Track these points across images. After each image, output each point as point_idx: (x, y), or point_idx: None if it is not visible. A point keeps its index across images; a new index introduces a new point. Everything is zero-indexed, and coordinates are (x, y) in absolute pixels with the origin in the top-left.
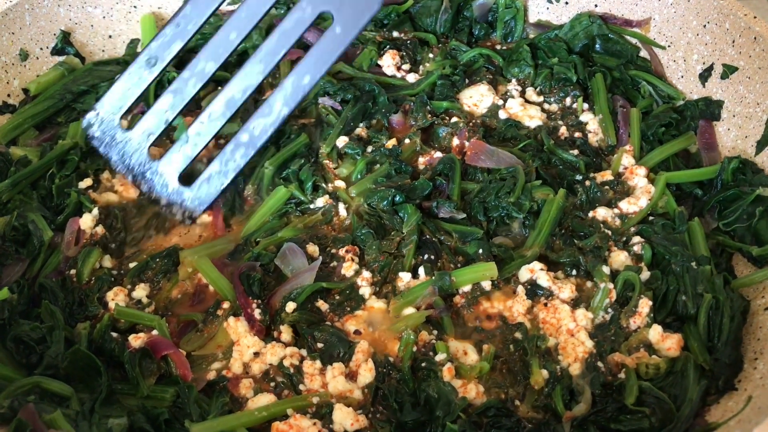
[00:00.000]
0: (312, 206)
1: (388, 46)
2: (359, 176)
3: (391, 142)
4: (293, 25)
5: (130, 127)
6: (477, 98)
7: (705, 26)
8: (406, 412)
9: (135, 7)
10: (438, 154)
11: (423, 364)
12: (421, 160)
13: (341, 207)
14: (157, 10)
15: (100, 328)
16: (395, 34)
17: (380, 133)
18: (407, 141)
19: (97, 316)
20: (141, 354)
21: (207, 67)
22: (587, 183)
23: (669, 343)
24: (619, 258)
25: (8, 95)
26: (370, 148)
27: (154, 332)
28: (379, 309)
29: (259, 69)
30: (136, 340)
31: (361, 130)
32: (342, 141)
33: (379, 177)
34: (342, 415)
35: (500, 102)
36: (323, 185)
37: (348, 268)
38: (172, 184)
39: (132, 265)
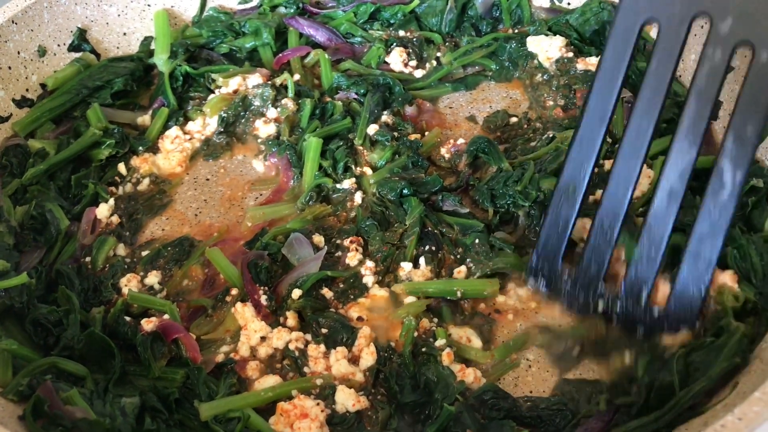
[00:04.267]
0: (338, 186)
1: (395, 44)
2: (383, 163)
3: (414, 136)
4: (707, 80)
5: (574, 264)
6: None
7: (703, 27)
8: (406, 394)
9: (149, 5)
10: (461, 141)
11: (423, 350)
12: (444, 150)
13: (358, 195)
14: (170, 8)
15: (113, 312)
16: (401, 33)
17: (405, 122)
18: (427, 134)
19: (111, 302)
20: (153, 337)
21: (631, 172)
22: (595, 170)
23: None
24: None
25: (27, 90)
26: (396, 134)
27: (166, 317)
28: (382, 297)
29: (688, 145)
30: (148, 324)
31: (387, 117)
32: (372, 129)
33: (396, 167)
34: (344, 396)
35: None
36: (353, 168)
37: (352, 258)
38: (644, 309)
39: (144, 253)
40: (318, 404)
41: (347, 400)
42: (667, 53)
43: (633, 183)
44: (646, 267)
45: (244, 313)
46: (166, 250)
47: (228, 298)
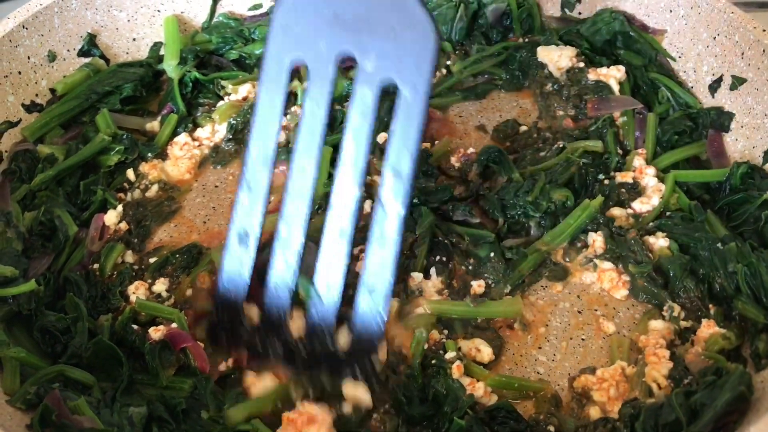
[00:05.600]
0: None
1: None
2: None
3: (424, 145)
4: (360, 119)
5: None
6: None
7: (715, 38)
8: (414, 406)
9: (158, 11)
10: (471, 150)
11: (433, 362)
12: (453, 159)
13: (368, 203)
14: (180, 14)
15: (121, 320)
16: None
17: None
18: (437, 143)
19: (119, 309)
20: (161, 346)
21: (300, 211)
22: (606, 182)
23: None
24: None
25: (36, 95)
26: None
27: (174, 325)
28: (391, 307)
29: (351, 184)
30: (155, 333)
31: None
32: (382, 137)
33: None
34: (351, 388)
35: None
36: None
37: (360, 266)
38: (328, 350)
39: (152, 260)
40: (323, 407)
41: (353, 390)
42: (319, 92)
43: (304, 222)
44: (324, 307)
45: (251, 312)
46: (174, 257)
47: None
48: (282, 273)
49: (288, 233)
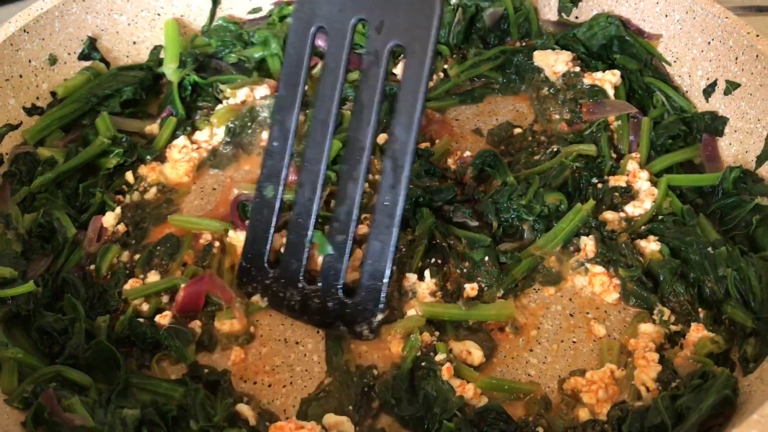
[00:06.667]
0: None
1: (401, 55)
2: None
3: (424, 145)
4: (371, 83)
5: (276, 263)
6: None
7: (709, 43)
8: (403, 408)
9: (159, 14)
10: (467, 153)
11: (423, 364)
12: (450, 161)
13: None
14: (180, 18)
15: (123, 320)
16: None
17: None
18: (437, 142)
19: (119, 310)
20: (175, 329)
21: (316, 173)
22: (599, 186)
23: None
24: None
25: (37, 98)
26: None
27: (181, 294)
28: None
29: (359, 151)
30: (163, 318)
31: None
32: (382, 138)
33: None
34: None
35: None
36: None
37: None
38: (338, 300)
39: (137, 257)
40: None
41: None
42: (337, 51)
43: (320, 185)
44: (336, 260)
45: (238, 237)
46: (156, 249)
47: (214, 250)
48: (300, 229)
49: (305, 192)
